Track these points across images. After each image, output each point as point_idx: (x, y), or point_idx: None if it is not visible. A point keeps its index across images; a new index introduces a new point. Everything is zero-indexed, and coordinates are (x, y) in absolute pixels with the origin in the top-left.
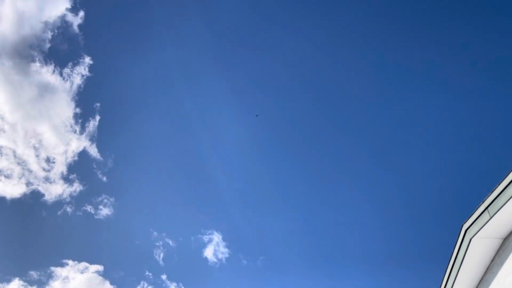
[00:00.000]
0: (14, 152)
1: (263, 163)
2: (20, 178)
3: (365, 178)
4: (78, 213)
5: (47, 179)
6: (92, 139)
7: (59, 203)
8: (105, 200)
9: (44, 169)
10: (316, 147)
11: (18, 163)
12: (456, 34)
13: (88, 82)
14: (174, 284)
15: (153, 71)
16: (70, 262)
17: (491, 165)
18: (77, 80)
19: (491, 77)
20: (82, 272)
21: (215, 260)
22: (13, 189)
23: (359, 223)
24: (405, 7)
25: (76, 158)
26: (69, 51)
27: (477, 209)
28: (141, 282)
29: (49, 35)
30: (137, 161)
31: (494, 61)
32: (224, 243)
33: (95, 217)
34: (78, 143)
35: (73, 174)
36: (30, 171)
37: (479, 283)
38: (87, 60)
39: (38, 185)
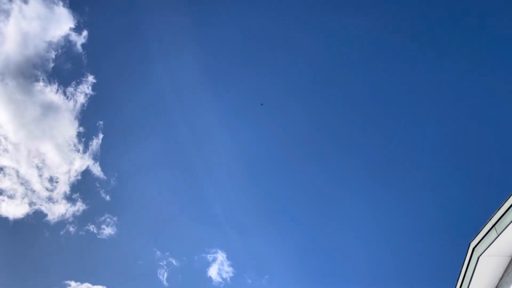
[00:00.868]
0: (17, 172)
1: (268, 183)
2: (23, 198)
3: (368, 195)
4: (81, 233)
5: (50, 199)
6: (95, 158)
7: (62, 223)
8: (108, 219)
9: (47, 189)
10: (316, 166)
11: (21, 183)
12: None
13: (91, 100)
14: None
15: (155, 90)
16: (73, 283)
17: (498, 182)
18: (81, 99)
19: (497, 97)
20: None
21: (220, 279)
22: (16, 210)
23: (364, 240)
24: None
25: (79, 177)
26: (72, 70)
27: (484, 226)
28: None
29: (52, 54)
30: (140, 179)
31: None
32: (228, 262)
33: (98, 236)
34: (81, 162)
35: (76, 193)
36: (33, 191)
37: None
38: (90, 78)
39: (41, 205)
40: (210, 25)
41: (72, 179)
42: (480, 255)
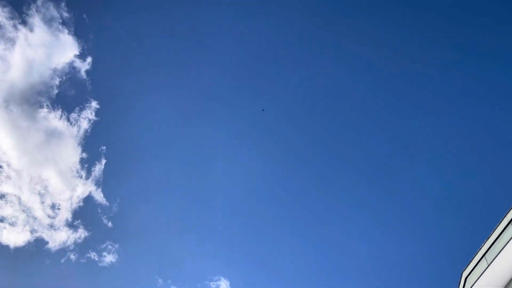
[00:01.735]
0: (19, 199)
1: (269, 210)
2: (24, 225)
3: (363, 232)
4: (82, 261)
5: (51, 226)
6: (97, 184)
7: (62, 250)
8: (110, 246)
9: (49, 216)
10: (315, 204)
11: (23, 210)
12: None
13: (94, 126)
14: None
15: (158, 117)
16: None
17: (489, 208)
18: (84, 125)
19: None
20: None
21: None
22: (17, 237)
23: (360, 274)
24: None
25: (81, 203)
26: (76, 96)
27: (475, 256)
28: None
29: (57, 81)
30: (142, 205)
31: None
32: None
33: (99, 264)
34: (83, 188)
35: (78, 220)
36: (35, 218)
37: None
38: (94, 104)
39: (42, 232)
40: (206, 59)
41: (74, 205)
42: (472, 285)
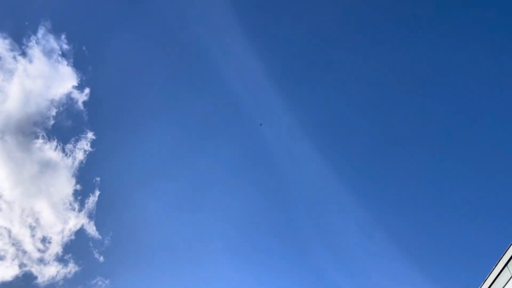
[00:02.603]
0: (9, 232)
1: (268, 238)
2: (13, 259)
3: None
4: None
5: (41, 261)
6: (90, 216)
7: (51, 286)
8: (100, 282)
9: (39, 250)
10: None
11: (13, 244)
12: None
13: (90, 157)
14: None
15: (154, 149)
16: None
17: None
18: (79, 156)
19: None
20: None
21: None
22: (5, 272)
23: None
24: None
25: (72, 237)
26: (72, 127)
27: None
28: None
29: (53, 112)
30: (135, 239)
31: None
32: None
33: None
34: (76, 221)
35: (68, 254)
36: (25, 252)
37: None
38: (90, 135)
39: (32, 266)
40: (202, 91)
41: (66, 239)
42: None
